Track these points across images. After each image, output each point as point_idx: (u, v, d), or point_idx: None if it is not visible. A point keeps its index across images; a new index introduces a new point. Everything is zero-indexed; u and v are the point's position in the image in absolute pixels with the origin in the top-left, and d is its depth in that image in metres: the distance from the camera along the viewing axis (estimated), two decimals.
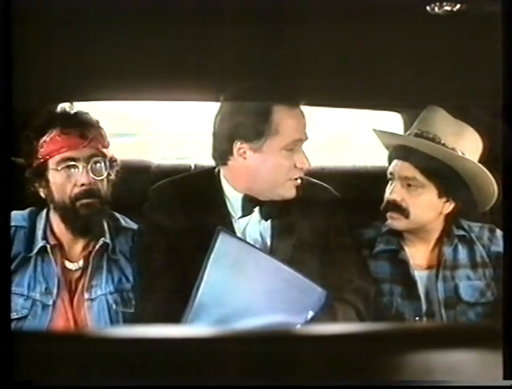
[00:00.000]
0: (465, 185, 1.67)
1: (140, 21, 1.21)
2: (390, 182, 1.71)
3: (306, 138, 1.56)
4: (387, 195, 1.69)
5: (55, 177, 1.54)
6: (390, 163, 1.72)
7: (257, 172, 1.54)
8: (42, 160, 1.54)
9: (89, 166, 1.54)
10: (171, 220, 1.55)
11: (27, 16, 1.01)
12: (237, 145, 1.53)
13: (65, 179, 1.54)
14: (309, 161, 1.55)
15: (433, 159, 1.64)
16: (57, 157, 1.53)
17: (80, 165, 1.53)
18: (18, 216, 1.60)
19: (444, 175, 1.65)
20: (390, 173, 1.70)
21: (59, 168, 1.53)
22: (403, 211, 1.67)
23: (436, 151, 1.64)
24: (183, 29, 1.28)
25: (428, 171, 1.65)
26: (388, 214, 1.69)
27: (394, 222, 1.69)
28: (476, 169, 1.64)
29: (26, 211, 1.63)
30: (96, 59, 1.47)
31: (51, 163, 1.54)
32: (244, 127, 1.51)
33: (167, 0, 1.16)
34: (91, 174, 1.54)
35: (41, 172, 1.55)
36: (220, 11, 1.17)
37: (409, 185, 1.66)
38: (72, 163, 1.53)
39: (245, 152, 1.53)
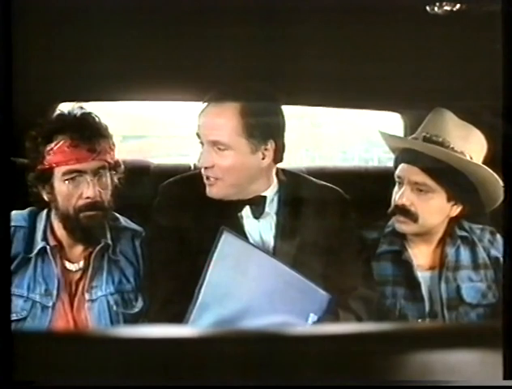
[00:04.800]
0: (473, 188, 1.66)
1: (142, 20, 1.21)
2: (398, 186, 1.70)
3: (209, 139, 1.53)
4: (396, 199, 1.68)
5: (60, 186, 1.52)
6: (396, 166, 1.72)
7: None
8: (48, 167, 1.52)
9: (96, 179, 1.52)
10: (181, 218, 1.56)
11: (28, 15, 1.01)
12: None
13: (70, 190, 1.51)
14: (205, 160, 1.53)
15: (443, 163, 1.64)
16: (64, 168, 1.50)
17: (87, 178, 1.51)
18: (17, 216, 1.59)
19: (453, 179, 1.65)
20: (399, 177, 1.69)
21: (65, 180, 1.51)
22: (412, 216, 1.66)
23: (446, 157, 1.64)
24: (185, 28, 1.28)
25: (438, 176, 1.64)
26: (396, 217, 1.69)
27: (402, 226, 1.69)
28: (485, 173, 1.63)
29: (26, 211, 1.61)
30: (96, 59, 1.47)
31: (57, 172, 1.51)
32: None
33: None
34: (97, 187, 1.52)
35: (46, 178, 1.53)
36: (219, 12, 1.18)
37: (419, 190, 1.65)
38: (79, 175, 1.51)
39: None
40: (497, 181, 1.62)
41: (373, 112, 2.39)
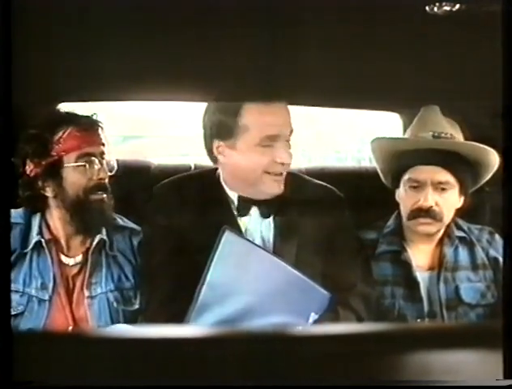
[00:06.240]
0: (478, 175, 1.71)
1: (143, 20, 1.21)
2: (412, 189, 1.69)
3: (290, 133, 1.55)
4: (420, 202, 1.67)
5: (71, 172, 1.55)
6: (404, 169, 1.71)
7: (235, 169, 1.56)
8: (56, 157, 1.55)
9: (104, 162, 1.58)
10: (175, 219, 1.56)
11: (28, 15, 1.01)
12: (216, 143, 1.55)
13: (82, 174, 1.55)
14: (291, 156, 1.54)
15: (460, 157, 1.67)
16: (76, 153, 1.54)
17: (97, 160, 1.56)
18: (14, 213, 1.59)
19: (465, 170, 1.69)
20: (415, 181, 1.68)
21: (78, 164, 1.55)
22: (438, 216, 1.67)
23: (465, 148, 1.67)
24: (186, 28, 1.28)
25: (456, 170, 1.67)
26: (419, 220, 1.68)
27: (427, 227, 1.69)
28: (492, 156, 1.66)
29: (21, 209, 1.62)
30: (96, 59, 1.47)
31: (66, 159, 1.55)
32: (217, 126, 1.53)
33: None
34: (107, 169, 1.58)
35: (54, 169, 1.55)
36: (220, 13, 1.18)
37: (441, 189, 1.66)
38: (91, 158, 1.55)
39: (223, 150, 1.55)
40: (497, 161, 1.66)
41: (367, 112, 2.39)
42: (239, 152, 1.53)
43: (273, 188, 1.55)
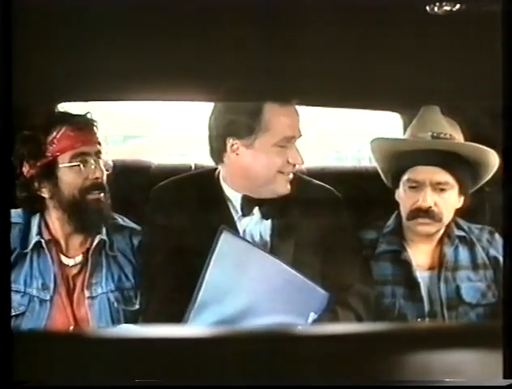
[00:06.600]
0: (477, 176, 1.72)
1: (143, 20, 1.21)
2: (411, 190, 1.69)
3: (300, 135, 1.57)
4: (419, 203, 1.68)
5: (66, 173, 1.55)
6: (404, 169, 1.71)
7: (249, 168, 1.56)
8: (51, 158, 1.55)
9: (100, 161, 1.57)
10: (173, 220, 1.56)
11: (28, 15, 1.01)
12: (230, 142, 1.55)
13: (77, 173, 1.55)
14: (302, 157, 1.56)
15: (459, 157, 1.67)
16: (70, 152, 1.54)
17: (92, 160, 1.56)
18: (13, 213, 1.59)
19: (464, 171, 1.69)
20: (415, 181, 1.68)
21: (73, 164, 1.55)
22: (436, 216, 1.68)
23: (464, 148, 1.68)
24: (187, 27, 1.28)
25: (455, 171, 1.67)
26: (418, 220, 1.69)
27: (426, 227, 1.69)
28: (493, 158, 1.66)
29: (21, 209, 1.62)
30: (97, 59, 1.47)
31: (61, 159, 1.55)
32: (236, 124, 1.54)
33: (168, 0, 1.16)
34: (103, 168, 1.58)
35: (49, 169, 1.56)
36: (220, 12, 1.18)
37: (440, 190, 1.67)
38: (86, 157, 1.55)
39: (237, 149, 1.55)
40: (496, 161, 1.66)
41: (367, 112, 2.39)
42: (256, 151, 1.54)
43: (283, 188, 1.57)
